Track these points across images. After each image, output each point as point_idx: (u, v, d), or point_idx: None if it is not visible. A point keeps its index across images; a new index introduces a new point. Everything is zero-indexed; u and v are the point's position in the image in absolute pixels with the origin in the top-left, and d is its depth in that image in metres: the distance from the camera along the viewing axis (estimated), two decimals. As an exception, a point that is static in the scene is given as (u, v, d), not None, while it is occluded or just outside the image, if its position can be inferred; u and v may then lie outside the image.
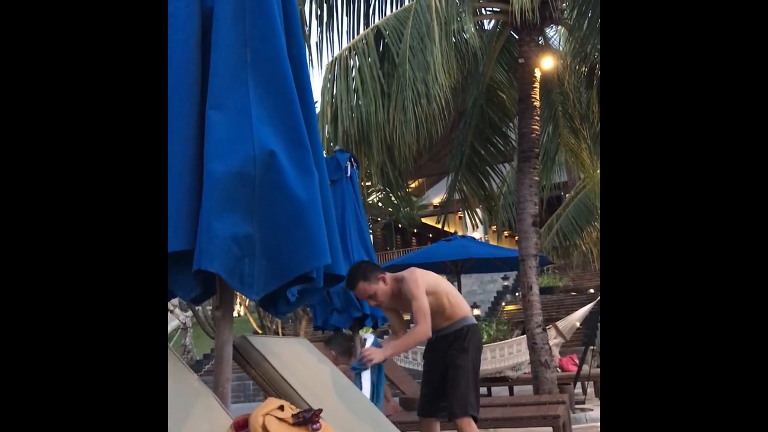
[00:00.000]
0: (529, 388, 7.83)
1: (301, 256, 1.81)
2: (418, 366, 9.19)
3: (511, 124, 8.44)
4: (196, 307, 11.23)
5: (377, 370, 3.88)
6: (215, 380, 1.87)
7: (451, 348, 3.32)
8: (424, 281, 3.22)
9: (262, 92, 1.86)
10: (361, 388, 3.57)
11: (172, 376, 1.73)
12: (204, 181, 1.73)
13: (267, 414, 1.41)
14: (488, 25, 7.89)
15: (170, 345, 1.87)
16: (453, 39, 6.09)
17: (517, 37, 7.24)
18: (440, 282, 3.46)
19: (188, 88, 1.81)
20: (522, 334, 8.48)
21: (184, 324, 14.95)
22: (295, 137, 1.88)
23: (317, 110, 6.33)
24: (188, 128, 1.78)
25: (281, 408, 1.45)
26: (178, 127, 1.77)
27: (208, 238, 1.67)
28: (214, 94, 1.80)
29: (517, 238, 6.86)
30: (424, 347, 3.63)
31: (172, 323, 16.47)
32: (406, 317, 3.55)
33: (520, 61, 6.84)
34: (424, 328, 3.07)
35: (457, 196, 8.70)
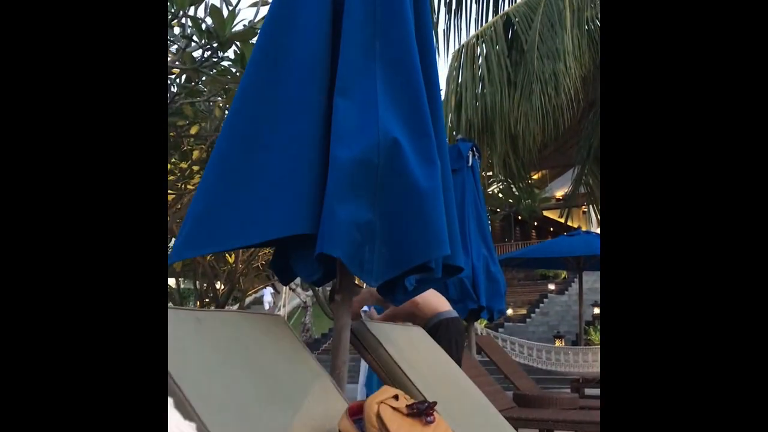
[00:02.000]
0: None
1: (421, 245, 1.80)
2: (533, 362, 9.01)
3: (644, 116, 7.99)
4: (317, 288, 11.59)
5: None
6: (332, 363, 1.91)
7: None
8: None
9: (389, 81, 1.86)
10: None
11: (291, 356, 1.78)
12: (329, 166, 1.76)
13: (382, 402, 1.41)
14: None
15: (290, 323, 1.93)
16: (585, 27, 5.84)
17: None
18: None
19: (317, 74, 1.84)
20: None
21: (305, 303, 15.50)
22: (420, 126, 1.87)
23: (441, 98, 6.32)
24: (316, 114, 1.82)
25: (396, 397, 1.45)
26: (306, 113, 1.81)
27: (331, 224, 1.69)
28: (341, 81, 1.82)
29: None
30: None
31: (294, 301, 17.15)
32: None
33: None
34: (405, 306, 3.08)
35: (582, 190, 8.39)
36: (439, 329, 3.32)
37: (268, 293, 15.88)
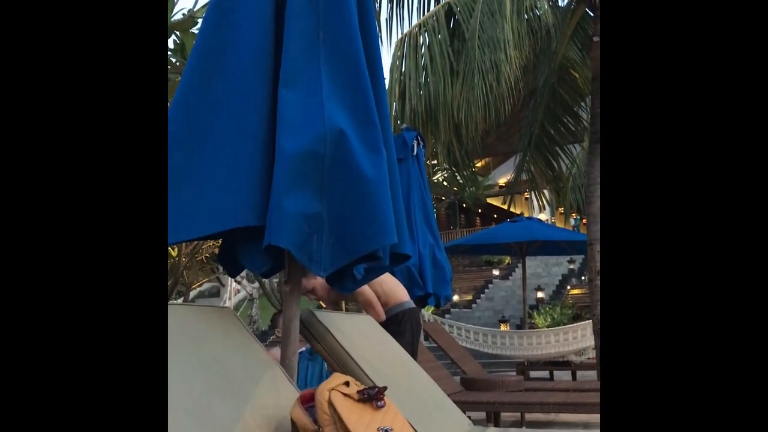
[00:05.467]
0: (593, 374, 7.70)
1: (369, 234, 1.82)
2: (480, 346, 9.17)
3: (583, 104, 8.21)
4: (263, 279, 11.51)
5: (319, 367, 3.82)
6: (282, 353, 1.92)
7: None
8: None
9: (334, 70, 1.87)
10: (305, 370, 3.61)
11: (241, 347, 1.78)
12: (275, 158, 1.76)
13: (333, 389, 1.43)
14: (562, 1, 7.66)
15: (237, 314, 1.93)
16: (525, 15, 5.95)
17: (592, 14, 7.00)
18: None
19: (261, 65, 1.83)
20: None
21: (251, 295, 15.35)
22: (365, 116, 1.88)
23: (386, 87, 6.33)
24: (261, 106, 1.81)
25: (347, 384, 1.48)
26: (250, 104, 1.80)
27: (278, 215, 1.70)
28: (286, 72, 1.82)
29: (585, 221, 6.70)
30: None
31: (240, 294, 16.96)
32: None
33: (595, 39, 6.62)
34: (374, 316, 3.11)
35: (524, 177, 8.55)
36: (404, 319, 3.37)
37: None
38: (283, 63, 1.82)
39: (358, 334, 2.31)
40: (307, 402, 1.46)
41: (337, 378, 1.50)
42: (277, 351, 2.07)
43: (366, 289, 3.18)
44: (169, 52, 4.42)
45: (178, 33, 4.48)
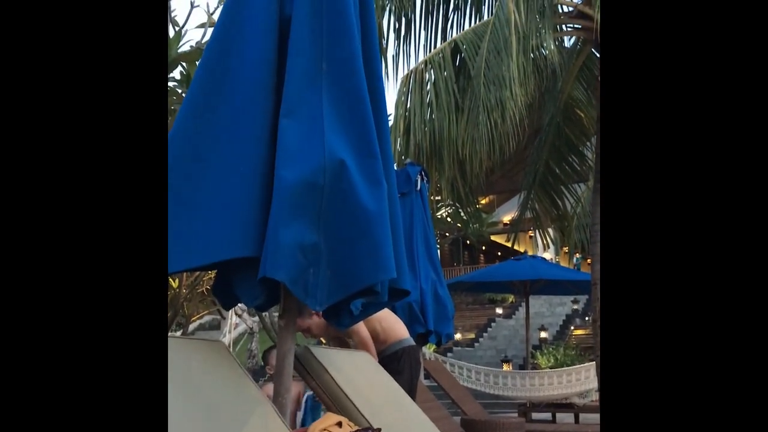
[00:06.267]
0: (596, 416, 7.55)
1: (367, 268, 1.77)
2: (481, 386, 9.03)
3: (588, 143, 8.21)
4: (263, 313, 11.40)
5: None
6: (275, 390, 1.85)
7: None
8: None
9: (336, 102, 1.85)
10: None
11: (231, 383, 1.72)
12: (274, 188, 1.72)
13: (324, 429, 1.37)
14: (568, 41, 7.72)
15: (236, 349, 1.87)
16: (531, 54, 5.97)
17: (598, 54, 7.05)
18: None
19: (262, 94, 1.81)
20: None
21: (251, 329, 15.20)
22: (366, 148, 1.85)
23: (390, 123, 6.34)
24: (260, 135, 1.78)
25: (339, 424, 1.42)
26: (250, 133, 1.78)
27: (275, 246, 1.65)
28: (287, 101, 1.80)
29: (589, 260, 6.64)
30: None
31: (240, 327, 16.80)
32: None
33: (601, 78, 6.65)
34: None
35: (528, 215, 8.51)
36: (403, 357, 3.31)
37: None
38: (285, 93, 1.80)
39: (355, 371, 2.24)
40: (298, 442, 1.40)
41: (330, 418, 1.44)
42: (272, 387, 2.01)
43: (362, 329, 3.12)
44: (175, 83, 4.43)
45: (184, 64, 4.50)
